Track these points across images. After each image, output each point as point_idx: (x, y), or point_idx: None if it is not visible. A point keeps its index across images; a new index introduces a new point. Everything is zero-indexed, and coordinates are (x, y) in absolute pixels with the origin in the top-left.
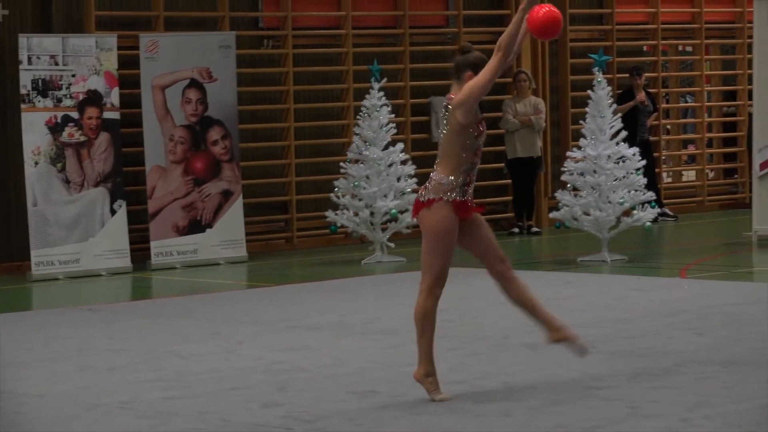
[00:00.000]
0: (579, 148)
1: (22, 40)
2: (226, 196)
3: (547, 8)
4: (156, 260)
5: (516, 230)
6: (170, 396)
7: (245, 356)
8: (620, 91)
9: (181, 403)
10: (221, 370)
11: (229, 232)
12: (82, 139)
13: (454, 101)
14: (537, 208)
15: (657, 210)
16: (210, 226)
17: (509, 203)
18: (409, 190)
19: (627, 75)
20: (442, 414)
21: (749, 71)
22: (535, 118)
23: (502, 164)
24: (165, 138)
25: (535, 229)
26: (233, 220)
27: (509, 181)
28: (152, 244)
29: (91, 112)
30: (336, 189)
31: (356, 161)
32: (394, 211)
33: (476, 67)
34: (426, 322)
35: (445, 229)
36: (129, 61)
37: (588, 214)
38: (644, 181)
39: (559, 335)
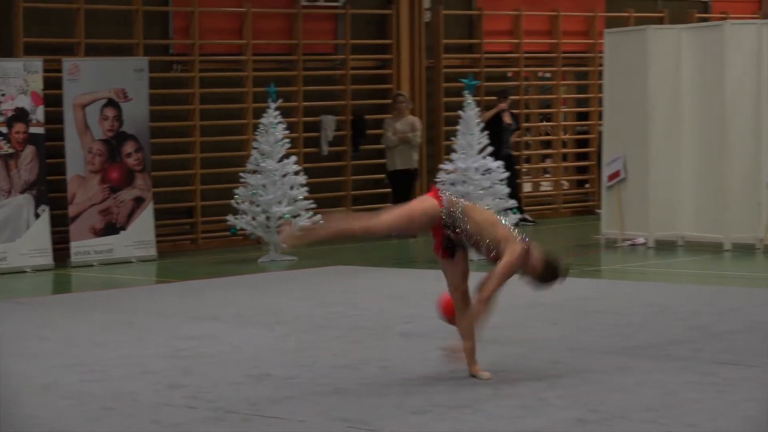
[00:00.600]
0: (450, 161)
1: None
2: (139, 202)
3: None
4: (75, 258)
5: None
6: (87, 379)
7: (154, 344)
8: (487, 111)
9: (97, 386)
10: (132, 356)
11: (140, 234)
12: (11, 151)
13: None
14: None
15: (518, 216)
16: (124, 228)
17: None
18: (300, 197)
19: (494, 98)
20: (328, 394)
21: (600, 95)
22: (412, 135)
23: (384, 176)
24: (84, 150)
25: None
26: (144, 223)
27: (390, 190)
28: (72, 244)
29: (19, 127)
30: (236, 196)
31: (254, 172)
32: (287, 215)
33: None
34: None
35: (421, 207)
36: (53, 83)
37: None
38: (507, 190)
39: (472, 370)
